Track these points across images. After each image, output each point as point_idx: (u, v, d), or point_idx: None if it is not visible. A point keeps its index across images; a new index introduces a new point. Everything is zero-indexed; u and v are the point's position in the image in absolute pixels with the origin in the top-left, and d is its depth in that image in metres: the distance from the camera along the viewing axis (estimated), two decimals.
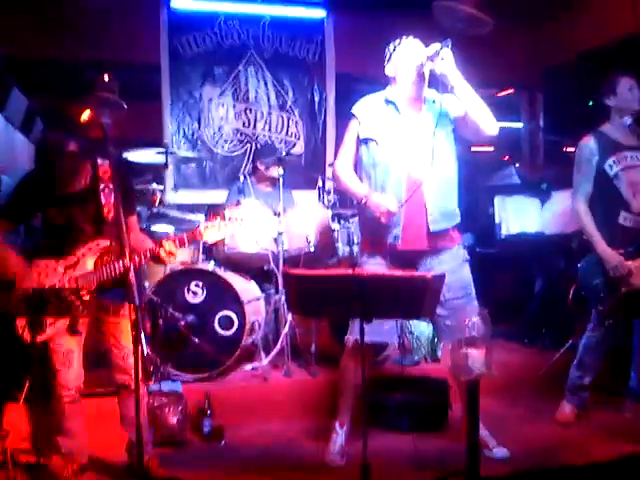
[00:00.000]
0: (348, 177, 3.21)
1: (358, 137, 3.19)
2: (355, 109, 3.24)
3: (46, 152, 2.80)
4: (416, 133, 3.12)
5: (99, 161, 2.82)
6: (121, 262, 2.57)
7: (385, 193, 3.06)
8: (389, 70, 3.20)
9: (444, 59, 2.97)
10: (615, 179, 3.46)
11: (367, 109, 3.21)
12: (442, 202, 3.12)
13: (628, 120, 3.46)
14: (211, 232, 2.74)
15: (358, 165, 3.23)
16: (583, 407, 3.62)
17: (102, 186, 2.79)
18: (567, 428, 3.54)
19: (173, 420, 3.38)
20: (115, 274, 2.68)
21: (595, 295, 3.48)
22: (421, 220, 3.07)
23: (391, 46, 3.19)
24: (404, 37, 3.18)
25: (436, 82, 3.07)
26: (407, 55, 3.12)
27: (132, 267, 2.41)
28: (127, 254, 2.43)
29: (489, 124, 3.08)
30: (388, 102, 3.17)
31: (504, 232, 5.07)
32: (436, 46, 2.98)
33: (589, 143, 3.53)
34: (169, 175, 5.72)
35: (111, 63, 5.70)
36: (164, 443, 3.28)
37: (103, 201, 2.77)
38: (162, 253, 2.70)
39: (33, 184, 2.79)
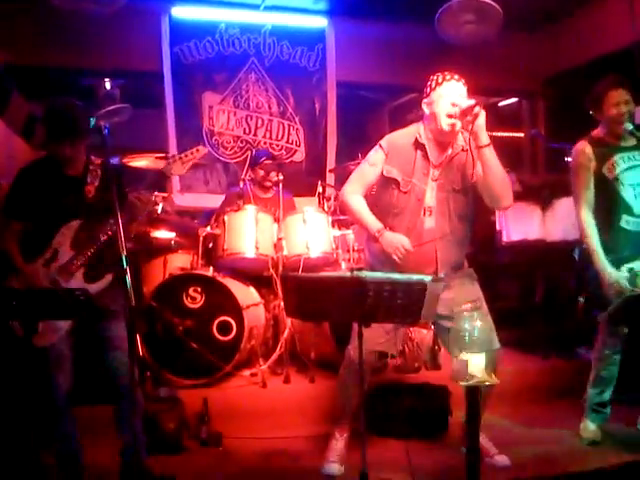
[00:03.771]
0: (361, 208, 3.09)
1: (382, 173, 3.07)
2: (385, 143, 3.10)
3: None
4: (440, 185, 3.04)
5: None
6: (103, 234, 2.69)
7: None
8: (425, 106, 3.07)
9: (477, 118, 2.84)
10: (615, 182, 3.35)
11: (397, 148, 3.08)
12: (454, 259, 3.08)
13: (629, 126, 3.31)
14: (176, 166, 2.95)
15: (373, 198, 3.13)
16: (606, 422, 3.47)
17: (90, 167, 2.83)
18: (572, 437, 3.47)
19: (171, 426, 3.37)
20: (100, 247, 2.73)
21: (600, 303, 3.35)
22: (428, 273, 2.97)
23: (433, 82, 3.04)
24: (448, 76, 3.01)
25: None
26: (445, 99, 2.97)
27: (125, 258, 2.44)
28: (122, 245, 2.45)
29: (504, 196, 2.98)
30: (418, 145, 3.06)
31: (505, 239, 5.04)
32: (471, 103, 2.87)
33: (584, 149, 3.40)
34: (175, 179, 5.71)
35: (112, 70, 5.75)
36: (162, 449, 3.25)
37: (88, 180, 2.80)
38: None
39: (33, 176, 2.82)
